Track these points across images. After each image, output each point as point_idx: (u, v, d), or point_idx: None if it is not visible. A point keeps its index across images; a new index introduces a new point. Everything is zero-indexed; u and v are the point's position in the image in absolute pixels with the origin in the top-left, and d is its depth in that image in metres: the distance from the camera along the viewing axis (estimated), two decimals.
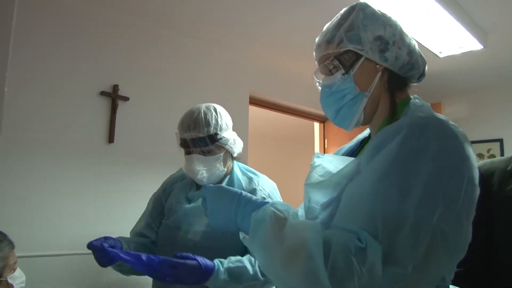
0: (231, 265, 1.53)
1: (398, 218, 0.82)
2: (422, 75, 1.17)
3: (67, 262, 2.58)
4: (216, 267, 1.49)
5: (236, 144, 1.81)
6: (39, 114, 2.59)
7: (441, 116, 0.97)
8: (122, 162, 2.92)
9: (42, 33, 2.65)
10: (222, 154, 1.77)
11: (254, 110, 4.10)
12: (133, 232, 1.96)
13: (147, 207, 2.00)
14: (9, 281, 1.82)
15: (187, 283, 1.44)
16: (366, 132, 1.29)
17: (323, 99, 1.17)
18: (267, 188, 1.80)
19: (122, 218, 2.85)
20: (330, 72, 1.13)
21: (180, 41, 3.43)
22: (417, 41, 1.17)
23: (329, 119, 1.19)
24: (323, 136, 5.03)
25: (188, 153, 1.78)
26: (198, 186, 1.85)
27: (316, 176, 1.15)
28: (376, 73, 1.10)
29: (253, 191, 1.74)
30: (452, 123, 0.95)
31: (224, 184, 1.79)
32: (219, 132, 1.74)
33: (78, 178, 2.71)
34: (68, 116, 2.71)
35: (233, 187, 1.66)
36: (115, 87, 2.93)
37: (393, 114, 1.10)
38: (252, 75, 4.01)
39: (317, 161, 1.20)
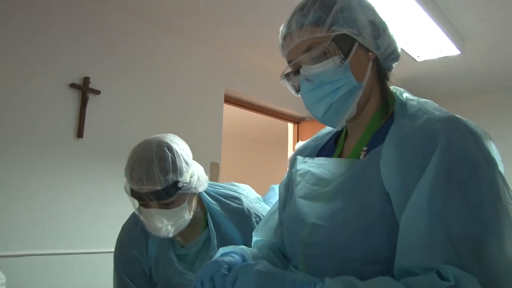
0: None
1: (481, 237, 0.73)
2: (393, 66, 1.07)
3: (44, 261, 2.46)
4: None
5: (200, 181, 1.46)
6: (3, 106, 2.44)
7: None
8: (91, 158, 2.79)
9: (8, 21, 2.50)
10: (186, 201, 1.41)
11: (226, 109, 4.02)
12: None
13: (120, 282, 1.57)
14: None
15: None
16: (329, 129, 1.16)
17: (308, 93, 0.98)
18: (256, 209, 1.58)
19: (91, 215, 2.73)
20: (318, 60, 0.95)
21: (155, 34, 3.32)
22: None
23: (314, 116, 1.00)
24: (297, 137, 4.99)
25: (144, 205, 1.40)
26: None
27: (308, 185, 1.01)
28: (368, 61, 0.98)
29: (247, 221, 1.52)
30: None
31: (210, 227, 1.52)
32: (180, 179, 1.36)
33: (45, 174, 2.58)
34: (35, 109, 2.57)
35: (219, 228, 1.49)
36: (86, 80, 2.80)
37: (387, 107, 1.00)
38: (229, 72, 3.93)
39: (302, 167, 1.06)
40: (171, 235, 1.41)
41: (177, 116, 3.37)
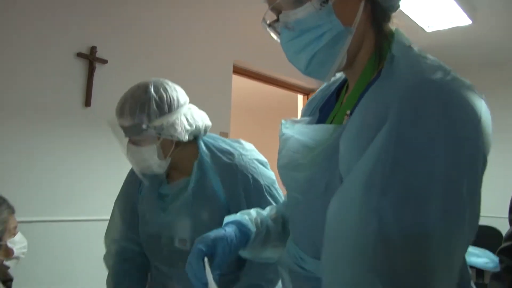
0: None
1: (419, 234, 0.61)
2: (399, 5, 0.90)
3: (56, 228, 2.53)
4: None
5: (176, 130, 1.45)
6: (12, 75, 2.48)
7: (439, 67, 0.74)
8: (99, 126, 2.82)
9: None
10: (155, 145, 1.44)
11: (236, 81, 4.02)
12: (110, 240, 1.69)
13: (116, 211, 1.69)
14: (9, 245, 1.81)
15: None
16: (338, 76, 1.03)
17: (288, 42, 0.86)
18: (247, 168, 1.52)
19: (99, 182, 2.80)
20: (298, 3, 0.82)
21: (163, 5, 3.30)
22: (404, 14, 0.93)
23: (298, 68, 0.89)
24: None
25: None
26: (169, 176, 1.62)
27: (290, 153, 0.91)
28: (359, 2, 0.83)
29: (233, 177, 1.49)
30: (453, 75, 0.73)
31: (194, 171, 1.50)
32: (145, 121, 1.40)
33: (54, 142, 2.63)
34: (43, 78, 2.60)
35: (204, 179, 1.49)
36: (93, 49, 2.82)
37: (380, 54, 0.86)
38: (238, 43, 3.92)
39: (287, 132, 0.96)
40: (148, 172, 1.50)
41: (185, 87, 3.34)
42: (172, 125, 1.44)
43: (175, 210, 1.51)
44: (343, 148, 0.75)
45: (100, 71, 2.84)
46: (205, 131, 1.56)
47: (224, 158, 1.50)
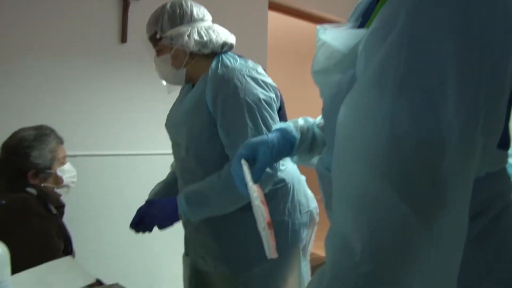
0: (188, 191, 1.56)
1: (439, 148, 0.57)
2: None
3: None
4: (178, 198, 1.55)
5: (184, 40, 1.58)
6: (49, 15, 2.52)
7: None
8: (136, 62, 2.86)
9: None
10: (168, 54, 1.62)
11: (271, 17, 3.92)
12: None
13: None
14: (59, 173, 1.91)
15: (164, 221, 1.53)
16: None
17: None
18: (234, 82, 1.53)
19: (137, 117, 2.86)
20: None
21: None
22: None
23: None
24: None
25: None
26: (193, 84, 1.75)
27: (322, 59, 0.87)
28: None
29: (217, 87, 1.54)
30: None
31: (198, 82, 1.63)
32: (158, 32, 1.61)
33: (93, 78, 2.70)
34: (78, 16, 2.64)
35: (203, 89, 1.57)
36: None
37: None
38: None
39: (322, 38, 0.90)
40: (169, 81, 1.71)
41: (218, 24, 3.34)
42: (181, 35, 1.58)
43: (177, 117, 1.69)
44: (360, 49, 0.71)
45: (134, 7, 2.85)
46: (223, 47, 1.64)
47: (219, 70, 1.57)
